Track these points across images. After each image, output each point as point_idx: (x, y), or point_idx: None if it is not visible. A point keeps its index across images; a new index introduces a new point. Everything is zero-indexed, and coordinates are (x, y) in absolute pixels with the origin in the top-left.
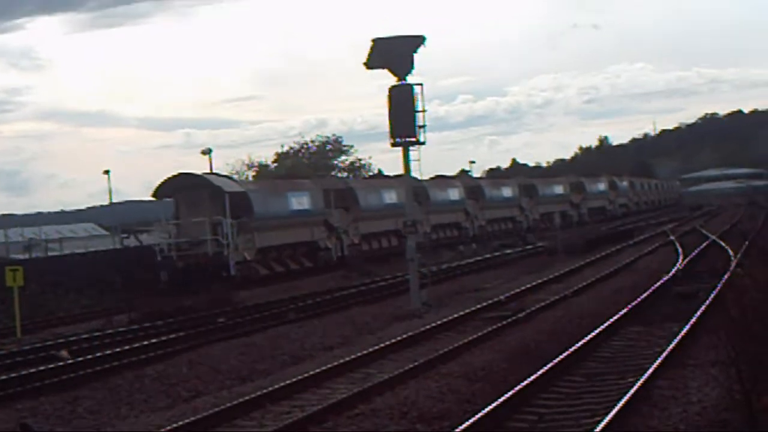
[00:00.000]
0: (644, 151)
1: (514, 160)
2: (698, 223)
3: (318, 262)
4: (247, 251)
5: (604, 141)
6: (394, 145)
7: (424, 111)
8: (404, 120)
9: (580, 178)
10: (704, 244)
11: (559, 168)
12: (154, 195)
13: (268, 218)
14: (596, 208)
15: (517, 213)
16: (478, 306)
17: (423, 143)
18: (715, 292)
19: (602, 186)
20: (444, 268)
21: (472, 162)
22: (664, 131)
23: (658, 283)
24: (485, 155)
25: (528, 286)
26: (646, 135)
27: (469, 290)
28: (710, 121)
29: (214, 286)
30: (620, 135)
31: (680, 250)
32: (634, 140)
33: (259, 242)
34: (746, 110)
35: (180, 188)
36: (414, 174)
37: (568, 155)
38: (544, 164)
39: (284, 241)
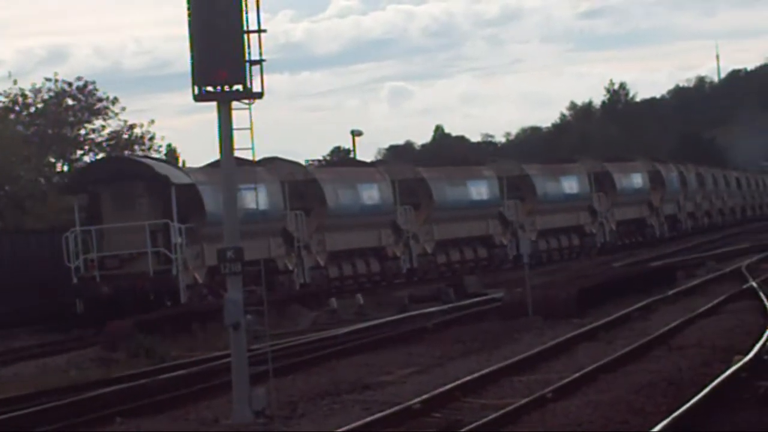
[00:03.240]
0: (693, 108)
1: (439, 129)
2: None
3: (277, 292)
4: (197, 271)
5: (617, 92)
6: (200, 98)
7: (260, 31)
8: (220, 49)
9: (655, 165)
10: None
11: (529, 144)
12: (67, 188)
13: (222, 223)
14: (670, 216)
15: (587, 219)
16: (367, 420)
17: (259, 96)
18: None
19: (675, 179)
20: (305, 343)
21: (357, 133)
22: (734, 73)
23: (725, 375)
24: (383, 119)
25: (466, 379)
26: (702, 79)
27: (353, 386)
28: None
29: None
30: (646, 79)
31: None
32: (678, 89)
33: (211, 258)
34: None
35: (103, 179)
36: (241, 155)
37: (549, 118)
38: (500, 137)
39: None
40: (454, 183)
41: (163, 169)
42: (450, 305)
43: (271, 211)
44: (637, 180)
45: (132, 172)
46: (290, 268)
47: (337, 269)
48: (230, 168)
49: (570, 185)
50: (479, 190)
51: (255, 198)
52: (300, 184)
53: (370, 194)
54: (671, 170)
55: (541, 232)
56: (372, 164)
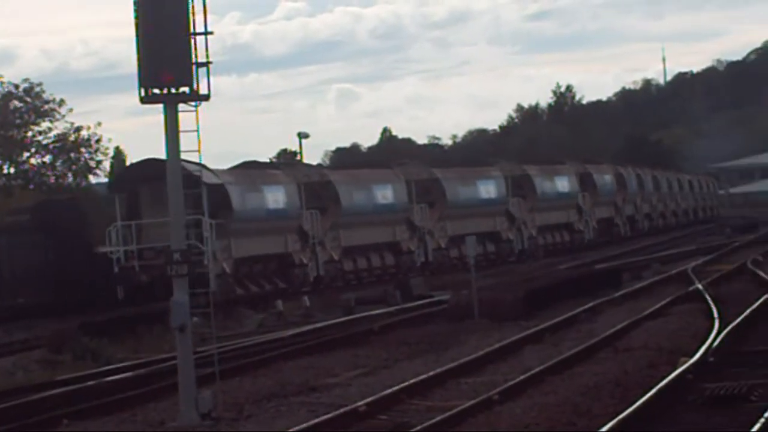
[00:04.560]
0: (639, 110)
1: (386, 131)
2: (751, 258)
3: (292, 283)
4: (225, 262)
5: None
6: (146, 100)
7: (207, 33)
8: (167, 51)
9: (617, 168)
10: (762, 299)
11: (472, 147)
12: (111, 187)
13: (247, 220)
14: (629, 217)
15: (575, 217)
16: (313, 422)
17: (206, 98)
18: None
19: (634, 181)
20: (252, 346)
21: (304, 135)
22: (680, 76)
23: (671, 377)
24: (330, 121)
25: (412, 381)
26: (648, 82)
27: (299, 388)
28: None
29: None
30: (593, 81)
31: (715, 310)
32: (625, 92)
33: (237, 251)
34: None
35: (143, 178)
36: (188, 156)
37: (496, 120)
38: (447, 140)
39: (260, 251)
40: (466, 183)
41: (196, 170)
42: (396, 307)
43: (288, 210)
44: (609, 182)
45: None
46: (305, 262)
47: (351, 263)
48: (176, 170)
49: (562, 185)
50: (488, 189)
51: (274, 198)
52: (316, 185)
53: (385, 194)
54: (630, 173)
55: (540, 228)
56: (389, 166)
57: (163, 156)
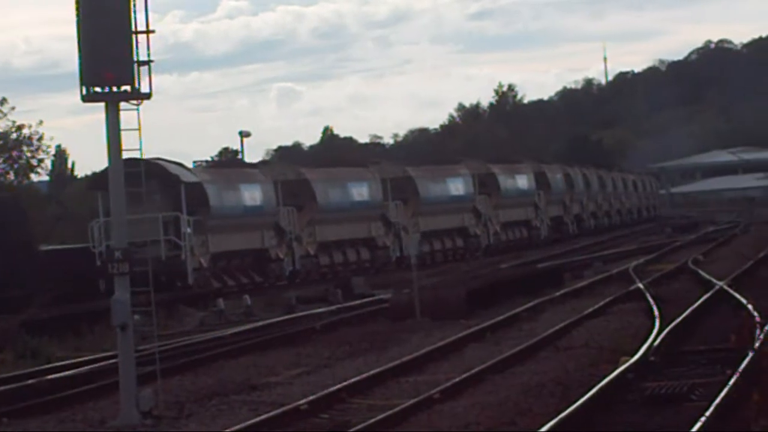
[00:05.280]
0: (580, 109)
1: (327, 130)
2: (692, 257)
3: (268, 277)
4: (203, 257)
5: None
6: (88, 98)
7: (149, 32)
8: (108, 50)
9: (566, 168)
10: (703, 299)
11: (413, 144)
12: (92, 186)
13: (224, 216)
14: (576, 216)
15: (533, 214)
16: (254, 421)
17: (147, 96)
18: (724, 393)
19: (580, 181)
20: (193, 344)
21: (245, 134)
22: (621, 75)
23: (612, 376)
24: (272, 120)
25: (354, 380)
26: (589, 81)
27: (240, 387)
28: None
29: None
30: (535, 80)
31: (656, 309)
32: (566, 91)
33: (214, 246)
34: None
35: (124, 176)
36: (130, 155)
37: (437, 119)
38: (388, 139)
39: (236, 246)
40: (436, 180)
41: (175, 170)
42: (338, 306)
43: (264, 207)
44: (560, 181)
45: (148, 172)
46: (281, 257)
47: (327, 258)
48: (118, 168)
49: (522, 183)
50: (457, 187)
51: (251, 195)
52: (293, 184)
53: (360, 191)
54: (577, 173)
55: (503, 224)
56: (364, 164)
57: (139, 156)
